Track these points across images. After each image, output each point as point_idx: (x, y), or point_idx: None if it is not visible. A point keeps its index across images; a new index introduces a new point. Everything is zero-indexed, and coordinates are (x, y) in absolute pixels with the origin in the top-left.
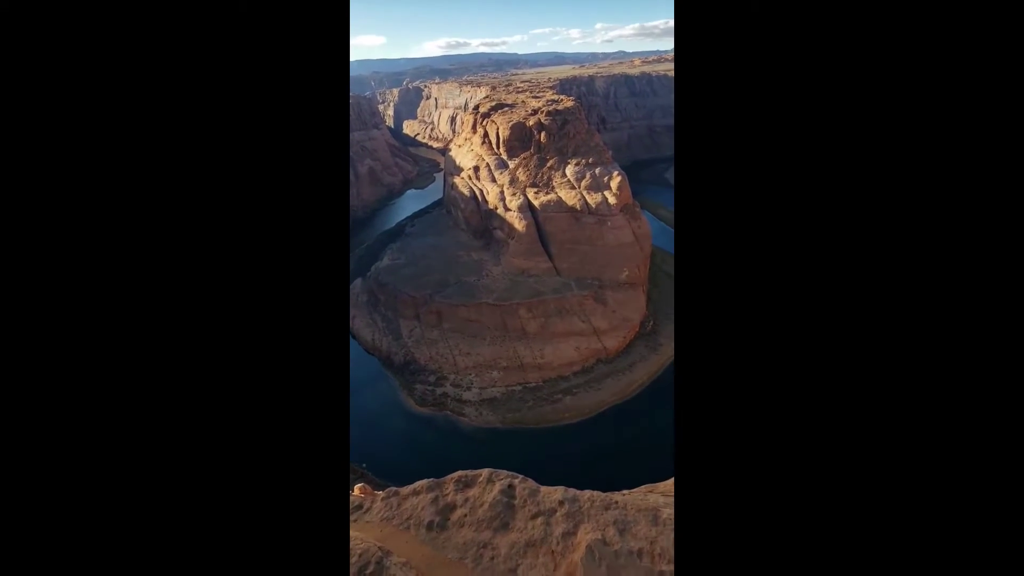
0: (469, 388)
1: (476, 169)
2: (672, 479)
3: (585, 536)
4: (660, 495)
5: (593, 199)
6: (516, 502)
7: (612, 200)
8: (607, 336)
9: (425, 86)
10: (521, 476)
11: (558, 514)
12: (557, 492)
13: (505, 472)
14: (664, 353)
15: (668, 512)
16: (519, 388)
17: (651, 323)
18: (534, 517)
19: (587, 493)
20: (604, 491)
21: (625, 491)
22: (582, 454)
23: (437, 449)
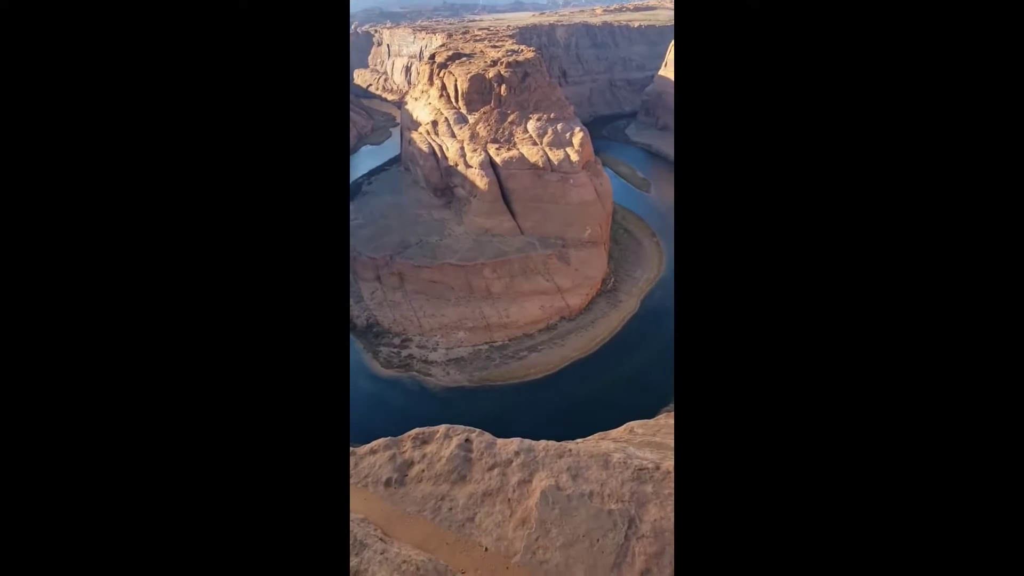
0: (435, 349)
1: (435, 124)
2: (624, 425)
3: (540, 483)
4: (611, 441)
5: (555, 156)
6: (473, 455)
7: (575, 157)
8: (570, 294)
9: (376, 31)
10: (478, 430)
11: (514, 464)
12: (513, 444)
13: (462, 427)
14: (624, 309)
15: (618, 456)
16: (485, 347)
17: (612, 280)
18: (491, 468)
19: (542, 443)
20: (561, 440)
21: (579, 440)
22: (547, 406)
23: (405, 410)
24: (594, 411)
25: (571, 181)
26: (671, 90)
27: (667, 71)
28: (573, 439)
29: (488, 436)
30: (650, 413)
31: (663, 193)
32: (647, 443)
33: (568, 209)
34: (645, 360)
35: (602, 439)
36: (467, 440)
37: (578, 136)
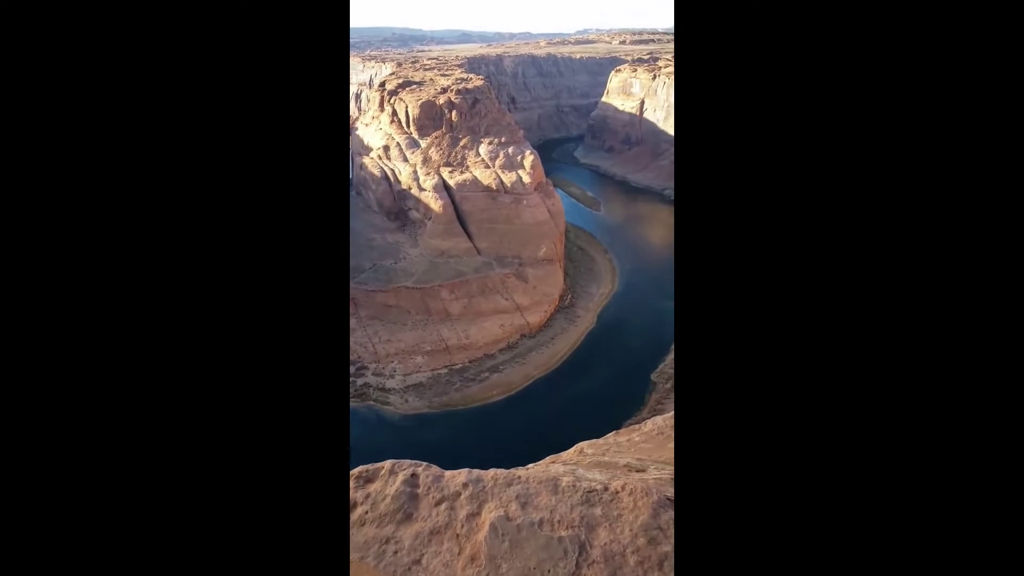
0: (392, 376)
1: (386, 148)
2: (574, 446)
3: (489, 515)
4: (562, 464)
5: (508, 178)
6: (420, 491)
7: (527, 179)
8: (529, 312)
9: None
10: (425, 464)
11: (462, 497)
12: (461, 475)
13: (408, 461)
14: (582, 324)
15: (567, 480)
16: (445, 371)
17: (569, 297)
18: (438, 503)
19: (491, 472)
20: (508, 468)
21: (531, 464)
22: (509, 428)
23: (363, 442)
24: (556, 429)
25: (525, 202)
26: (614, 115)
27: (609, 98)
28: (537, 459)
29: (435, 469)
30: (615, 425)
31: (613, 211)
32: (596, 463)
33: (523, 229)
34: (606, 374)
35: (552, 462)
36: (413, 475)
37: (529, 159)
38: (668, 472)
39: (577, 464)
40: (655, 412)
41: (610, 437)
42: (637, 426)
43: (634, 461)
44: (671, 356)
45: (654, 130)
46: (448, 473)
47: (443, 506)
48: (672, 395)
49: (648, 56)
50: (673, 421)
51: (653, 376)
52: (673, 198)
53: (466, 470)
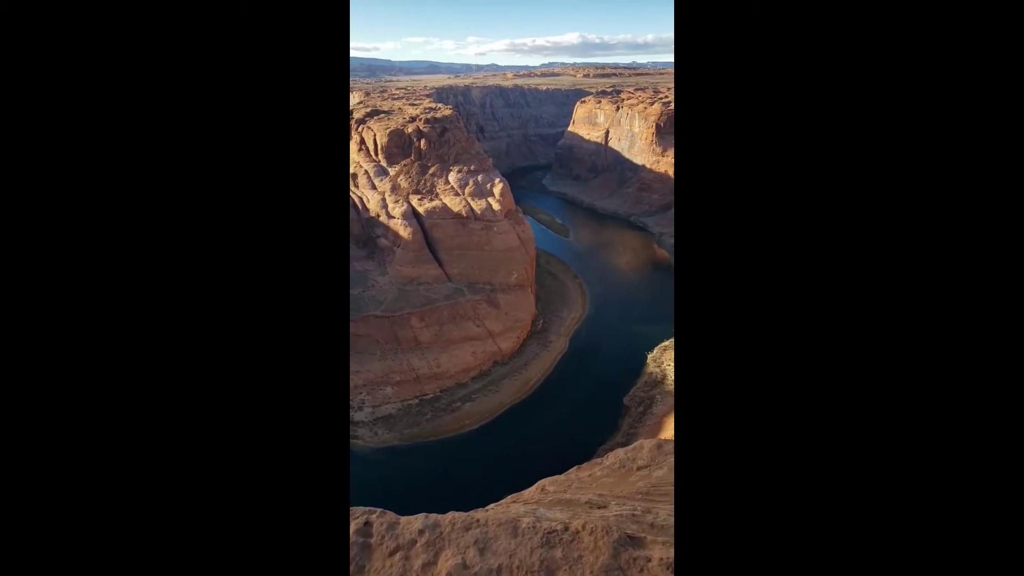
0: (361, 408)
1: (354, 176)
2: (536, 484)
3: (446, 563)
4: (522, 504)
5: (478, 205)
6: (373, 540)
7: (496, 206)
8: (501, 338)
9: None
10: (380, 510)
11: (418, 545)
12: (417, 521)
13: (362, 509)
14: (554, 349)
15: (527, 521)
16: (415, 401)
17: (541, 322)
18: (392, 553)
19: (448, 516)
20: (477, 503)
21: (491, 505)
22: (482, 460)
23: None
24: (529, 459)
25: (495, 228)
26: (581, 144)
27: (575, 127)
28: (512, 490)
29: (391, 515)
30: (590, 452)
31: (581, 237)
32: (558, 501)
33: (494, 255)
34: (579, 399)
35: (514, 501)
36: (367, 523)
37: (498, 186)
38: (629, 507)
39: (538, 503)
40: (629, 437)
41: (572, 472)
42: (599, 460)
43: (595, 497)
44: (642, 379)
45: (619, 159)
46: (404, 519)
47: (397, 556)
48: (644, 419)
49: (611, 89)
50: (635, 453)
51: (625, 400)
52: (639, 224)
53: (423, 515)
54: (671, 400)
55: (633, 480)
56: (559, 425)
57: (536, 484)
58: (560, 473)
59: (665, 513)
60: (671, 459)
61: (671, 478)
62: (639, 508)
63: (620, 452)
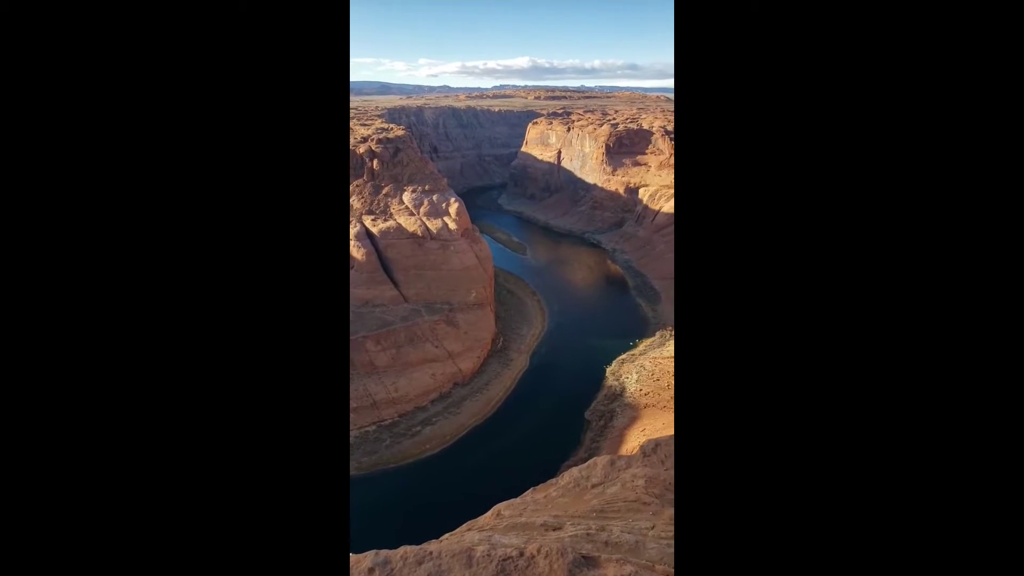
0: None
1: None
2: (491, 509)
3: None
4: (477, 531)
5: (434, 225)
6: None
7: (453, 225)
8: (461, 358)
9: None
10: None
11: None
12: (366, 559)
13: None
14: (515, 367)
15: (482, 549)
16: (373, 428)
17: (501, 340)
18: None
19: (400, 551)
20: (437, 532)
21: (446, 535)
22: (443, 485)
23: None
24: (492, 480)
25: (452, 248)
26: (535, 163)
27: (528, 148)
28: (475, 514)
29: None
30: (554, 469)
31: (539, 255)
32: (513, 526)
33: (451, 274)
34: (542, 416)
35: (469, 529)
36: None
37: (454, 206)
38: (583, 526)
39: (493, 529)
40: (591, 451)
41: (527, 495)
42: (554, 480)
43: (550, 519)
44: (602, 393)
45: (572, 178)
46: (354, 558)
47: None
48: (606, 432)
49: (562, 111)
50: (588, 471)
51: (587, 414)
52: (592, 241)
53: (372, 552)
54: (631, 412)
55: (588, 498)
56: (522, 443)
57: (492, 509)
58: (517, 495)
59: (619, 529)
60: (624, 475)
61: (624, 494)
62: (593, 527)
63: (575, 471)
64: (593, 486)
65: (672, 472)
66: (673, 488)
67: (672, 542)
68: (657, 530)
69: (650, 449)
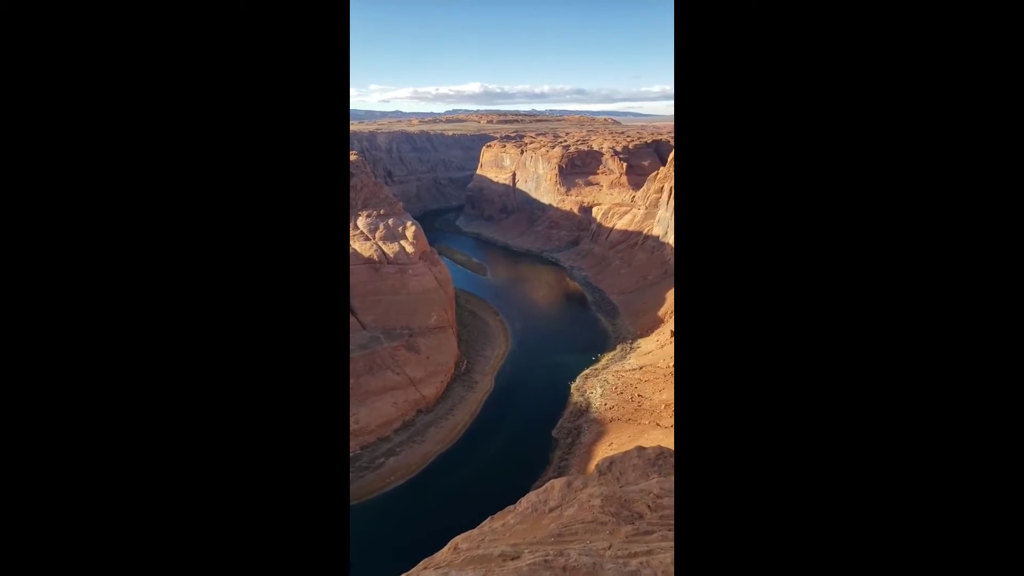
0: None
1: None
2: (448, 543)
3: None
4: (434, 569)
5: (390, 249)
6: None
7: (410, 249)
8: (424, 384)
9: None
10: None
11: None
12: None
13: None
14: (480, 389)
15: None
16: None
17: (465, 363)
18: None
19: None
20: (398, 568)
21: (402, 575)
22: (408, 518)
23: None
24: (460, 508)
25: (410, 271)
26: (490, 186)
27: (483, 170)
28: (438, 546)
29: None
30: (522, 491)
31: (499, 274)
32: (471, 559)
33: (411, 298)
34: (509, 438)
35: (425, 567)
36: None
37: (411, 229)
38: (541, 553)
39: (450, 565)
40: (560, 470)
41: (485, 525)
42: (512, 507)
43: (508, 548)
44: (568, 410)
45: (528, 199)
46: None
47: None
48: (574, 450)
49: (514, 134)
50: (546, 495)
51: (554, 432)
52: (551, 259)
53: None
54: (597, 427)
55: (546, 523)
56: (489, 468)
57: (449, 543)
58: (476, 525)
59: (576, 552)
60: (580, 495)
61: (581, 515)
62: (551, 552)
63: (532, 495)
64: (551, 509)
65: (627, 489)
66: (628, 505)
67: (628, 561)
68: (614, 549)
69: (605, 467)
